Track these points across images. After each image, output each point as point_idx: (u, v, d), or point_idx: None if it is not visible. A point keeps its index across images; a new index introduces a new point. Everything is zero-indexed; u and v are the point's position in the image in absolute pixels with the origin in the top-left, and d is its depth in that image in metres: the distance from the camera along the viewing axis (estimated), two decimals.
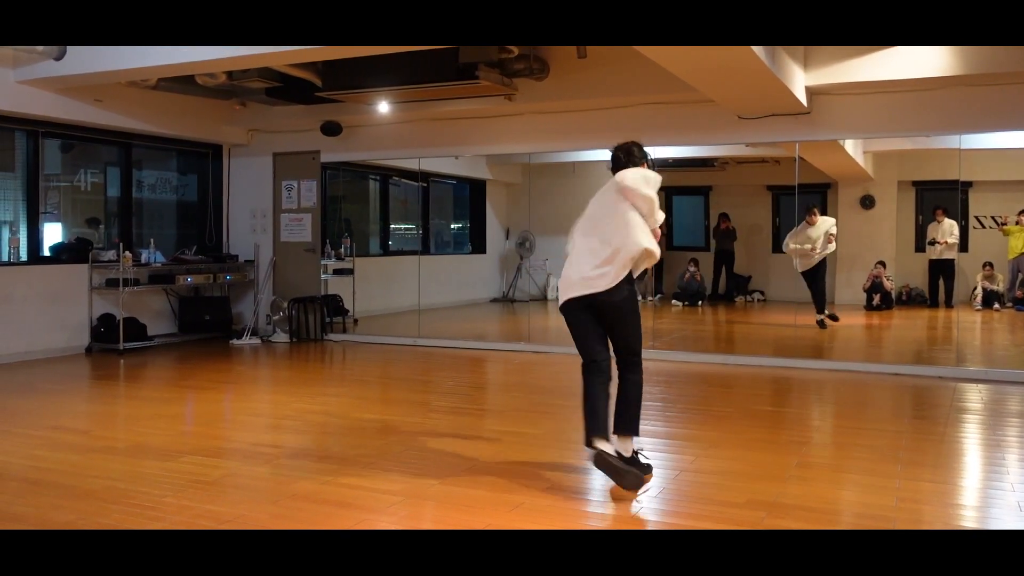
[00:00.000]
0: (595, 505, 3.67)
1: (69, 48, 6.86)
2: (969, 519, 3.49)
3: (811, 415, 5.66)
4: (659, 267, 13.17)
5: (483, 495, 3.70)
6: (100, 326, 8.21)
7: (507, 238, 13.42)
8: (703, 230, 13.52)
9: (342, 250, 9.92)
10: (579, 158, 12.05)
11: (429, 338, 8.95)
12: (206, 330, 9.15)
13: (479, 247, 13.24)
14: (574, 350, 8.52)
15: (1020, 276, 10.85)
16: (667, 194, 13.72)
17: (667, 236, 13.57)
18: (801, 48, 6.69)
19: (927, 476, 4.04)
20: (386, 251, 11.54)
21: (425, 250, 11.99)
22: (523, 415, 5.53)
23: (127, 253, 8.14)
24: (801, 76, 6.73)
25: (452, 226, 13.88)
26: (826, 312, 9.45)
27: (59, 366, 7.47)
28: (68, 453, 4.44)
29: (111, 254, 8.23)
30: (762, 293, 12.48)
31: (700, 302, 12.36)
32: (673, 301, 12.53)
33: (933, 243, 10.42)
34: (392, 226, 12.06)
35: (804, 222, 9.63)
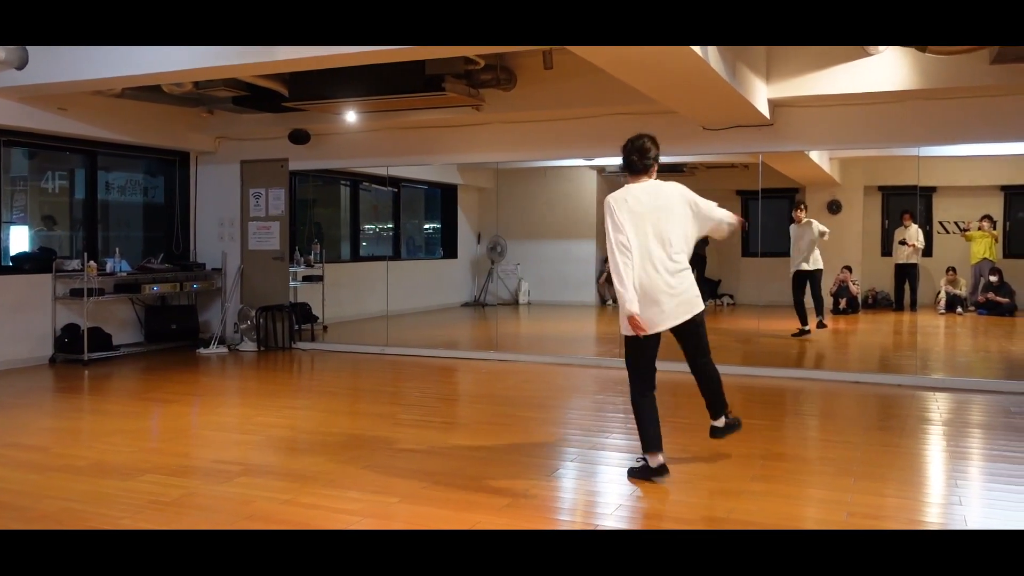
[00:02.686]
0: (552, 524, 3.71)
1: (32, 58, 6.79)
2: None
3: (771, 426, 5.73)
4: None
5: (442, 514, 3.73)
6: (64, 336, 8.14)
7: (478, 242, 13.47)
8: None
9: (312, 256, 9.91)
10: (551, 163, 12.13)
11: (398, 346, 8.95)
12: (173, 339, 9.10)
13: (451, 252, 13.28)
14: (541, 358, 8.51)
15: (982, 280, 11.06)
16: None
17: None
18: (763, 61, 6.78)
19: (880, 490, 4.12)
20: (357, 256, 11.54)
21: (396, 255, 12.00)
22: (486, 428, 5.56)
23: (91, 263, 8.08)
24: (763, 89, 6.82)
25: (425, 227, 13.89)
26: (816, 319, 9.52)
27: (21, 378, 7.40)
28: (26, 472, 4.41)
29: (75, 263, 8.16)
30: (731, 297, 12.61)
31: None
32: None
33: (903, 243, 10.59)
34: (366, 227, 12.08)
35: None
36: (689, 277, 4.14)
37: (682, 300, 4.09)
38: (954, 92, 6.60)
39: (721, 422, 4.39)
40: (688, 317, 4.11)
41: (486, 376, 7.67)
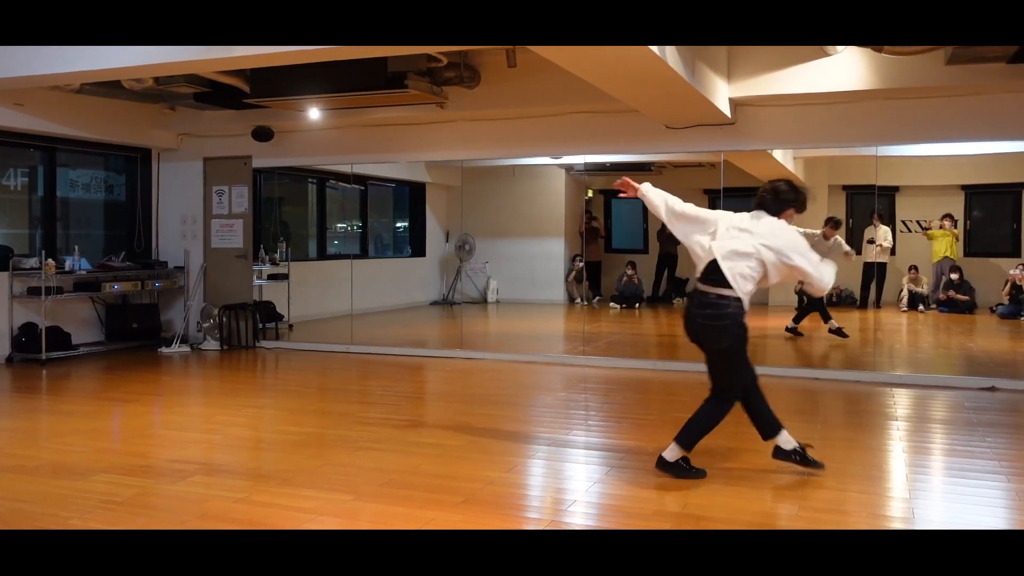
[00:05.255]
0: (506, 520, 3.71)
1: None
2: (862, 528, 3.61)
3: (731, 421, 5.76)
4: (597, 270, 13.33)
5: (396, 511, 3.72)
6: (22, 335, 8.00)
7: (447, 241, 13.45)
8: (641, 233, 13.71)
9: (277, 255, 9.83)
10: (518, 161, 12.14)
11: (364, 345, 8.92)
12: (134, 338, 8.99)
13: (419, 250, 13.25)
14: (508, 356, 8.52)
15: (944, 279, 11.24)
16: (605, 197, 13.89)
17: (606, 239, 13.75)
18: (724, 60, 6.83)
19: (831, 484, 4.17)
20: (324, 255, 11.47)
21: (364, 254, 11.95)
22: (447, 426, 5.56)
23: (50, 261, 7.95)
24: (724, 88, 6.87)
25: (396, 225, 13.85)
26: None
27: None
28: None
29: (33, 261, 8.03)
30: None
31: (638, 304, 12.54)
32: (611, 304, 12.68)
33: (872, 242, 10.73)
34: (337, 226, 12.01)
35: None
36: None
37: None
38: (911, 92, 6.69)
39: (672, 455, 4.27)
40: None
41: (452, 374, 7.66)
